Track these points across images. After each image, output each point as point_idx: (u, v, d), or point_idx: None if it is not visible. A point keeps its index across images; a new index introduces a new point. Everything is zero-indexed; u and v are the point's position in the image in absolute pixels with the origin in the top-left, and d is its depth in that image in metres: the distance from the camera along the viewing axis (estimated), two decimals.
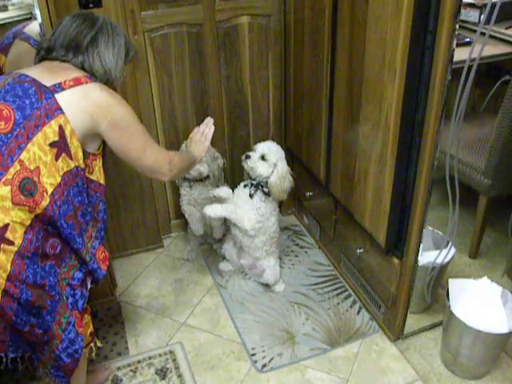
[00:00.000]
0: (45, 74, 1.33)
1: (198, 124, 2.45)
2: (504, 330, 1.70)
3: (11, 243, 1.21)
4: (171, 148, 2.39)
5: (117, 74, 1.47)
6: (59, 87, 1.30)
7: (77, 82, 1.33)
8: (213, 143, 2.33)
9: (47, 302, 1.31)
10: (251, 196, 2.09)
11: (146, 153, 1.48)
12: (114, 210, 2.35)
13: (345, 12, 1.75)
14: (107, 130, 1.38)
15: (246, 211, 2.09)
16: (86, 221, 1.43)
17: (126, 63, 1.52)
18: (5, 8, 2.07)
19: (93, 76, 1.40)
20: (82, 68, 1.40)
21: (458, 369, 1.84)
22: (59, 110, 1.29)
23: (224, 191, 2.18)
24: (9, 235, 1.20)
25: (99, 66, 1.42)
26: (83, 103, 1.33)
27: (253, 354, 1.96)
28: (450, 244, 1.82)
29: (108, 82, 1.45)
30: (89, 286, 1.52)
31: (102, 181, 1.48)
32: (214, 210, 2.07)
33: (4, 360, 1.36)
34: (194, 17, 2.17)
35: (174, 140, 2.40)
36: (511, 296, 1.80)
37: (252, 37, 2.30)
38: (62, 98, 1.30)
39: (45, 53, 1.42)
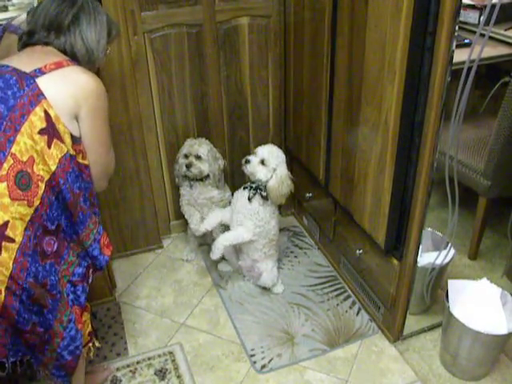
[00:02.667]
0: (25, 61, 1.29)
1: (198, 124, 2.45)
2: (503, 331, 1.70)
3: (12, 241, 1.21)
4: (171, 149, 2.41)
5: (99, 54, 1.43)
6: (39, 72, 1.27)
7: (58, 66, 1.29)
8: (212, 144, 2.33)
9: (49, 300, 1.31)
10: (250, 199, 2.09)
11: (110, 154, 1.46)
12: (113, 210, 2.35)
13: (344, 13, 1.75)
14: (85, 116, 1.33)
15: (243, 220, 2.10)
16: (87, 206, 1.42)
17: (109, 43, 1.47)
18: (5, 8, 2.07)
19: (74, 59, 1.36)
20: (64, 51, 1.36)
21: (457, 370, 1.84)
22: (42, 95, 1.25)
23: (210, 224, 2.19)
24: (9, 232, 1.20)
25: (81, 45, 1.37)
26: (66, 86, 1.29)
27: (252, 355, 1.96)
28: (449, 245, 1.82)
29: (90, 62, 1.41)
30: (91, 279, 1.51)
31: None
32: (216, 253, 2.11)
33: (6, 366, 1.35)
34: (194, 17, 2.17)
35: (174, 141, 2.40)
36: (510, 297, 1.80)
37: (252, 37, 2.30)
38: (43, 81, 1.26)
39: (27, 38, 1.37)
